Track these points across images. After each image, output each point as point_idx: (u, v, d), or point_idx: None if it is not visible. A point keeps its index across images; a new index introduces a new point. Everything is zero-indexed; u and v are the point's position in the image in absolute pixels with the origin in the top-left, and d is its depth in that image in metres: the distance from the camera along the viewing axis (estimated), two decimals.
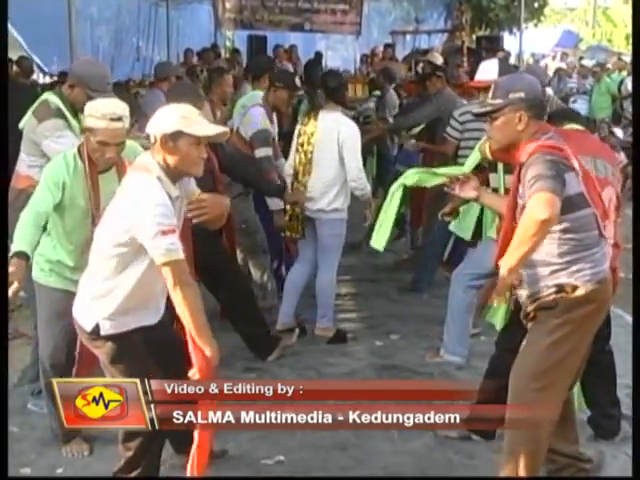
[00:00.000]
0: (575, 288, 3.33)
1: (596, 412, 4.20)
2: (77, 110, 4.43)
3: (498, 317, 4.45)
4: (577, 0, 31.09)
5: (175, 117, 3.21)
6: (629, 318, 4.73)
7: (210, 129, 3.29)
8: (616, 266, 3.74)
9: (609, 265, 3.49)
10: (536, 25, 19.66)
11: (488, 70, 4.81)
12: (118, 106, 3.80)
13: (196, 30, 16.56)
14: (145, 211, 3.11)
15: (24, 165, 4.50)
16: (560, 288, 3.34)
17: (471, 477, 3.99)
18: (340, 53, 17.87)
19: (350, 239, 8.22)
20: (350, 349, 5.59)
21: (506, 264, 3.23)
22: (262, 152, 5.76)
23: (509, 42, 16.50)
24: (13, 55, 10.96)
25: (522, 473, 3.41)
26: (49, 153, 4.32)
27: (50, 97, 4.51)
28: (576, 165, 3.32)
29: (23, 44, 12.58)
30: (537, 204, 3.14)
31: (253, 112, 5.85)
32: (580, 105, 14.47)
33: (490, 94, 3.52)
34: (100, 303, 3.32)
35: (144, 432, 3.40)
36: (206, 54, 13.72)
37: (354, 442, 4.27)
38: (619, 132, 12.17)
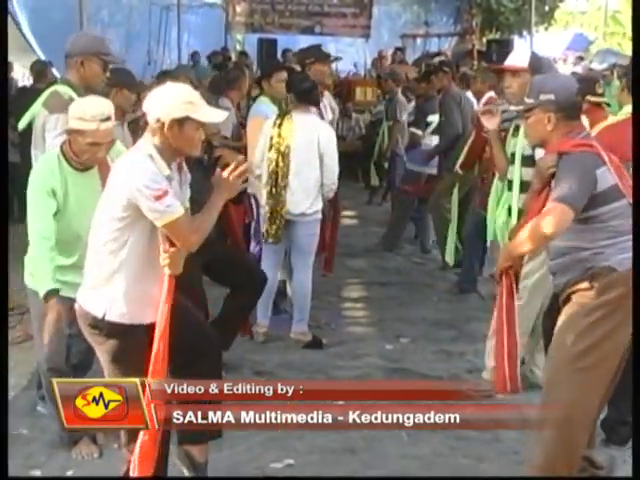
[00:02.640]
0: (611, 270, 3.38)
1: (612, 416, 4.16)
2: (94, 89, 4.35)
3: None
4: (587, 4, 30.99)
5: (182, 102, 3.23)
6: None
7: (215, 115, 3.34)
8: None
9: None
10: (547, 28, 19.59)
11: (518, 57, 4.82)
12: (105, 105, 3.81)
13: (207, 33, 16.60)
14: (135, 179, 3.17)
15: None
16: (596, 271, 3.39)
17: (475, 477, 3.98)
18: (350, 56, 17.84)
19: (364, 243, 8.31)
20: (360, 352, 5.58)
21: (507, 251, 3.55)
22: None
23: (520, 46, 16.46)
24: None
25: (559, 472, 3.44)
26: (49, 146, 4.20)
27: (59, 87, 4.36)
28: (607, 159, 3.39)
29: (38, 50, 12.68)
30: (550, 216, 3.29)
31: None
32: None
33: (527, 92, 3.65)
34: (104, 288, 3.32)
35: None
36: (216, 57, 13.76)
37: (363, 446, 4.26)
38: None
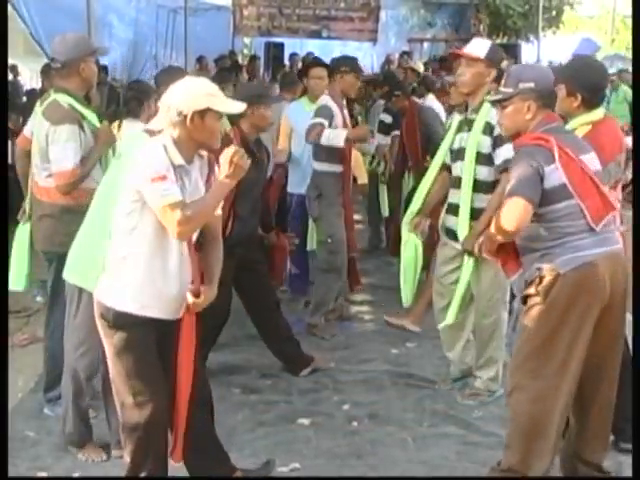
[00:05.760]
0: (555, 272, 3.40)
1: (617, 415, 4.15)
2: (91, 87, 4.40)
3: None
4: (596, 8, 30.97)
5: (202, 94, 3.28)
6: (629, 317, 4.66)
7: (234, 106, 3.38)
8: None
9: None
10: (554, 33, 19.58)
11: (476, 47, 4.69)
12: None
13: (214, 37, 16.63)
14: (142, 164, 3.24)
15: (42, 176, 4.37)
16: (542, 274, 3.43)
17: (476, 477, 3.96)
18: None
19: (370, 246, 8.31)
20: (366, 357, 5.58)
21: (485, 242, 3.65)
22: (316, 120, 5.75)
23: (527, 50, 16.45)
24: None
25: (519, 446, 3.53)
26: (54, 159, 4.21)
27: (57, 96, 4.31)
28: (557, 157, 3.37)
29: (48, 53, 12.70)
30: (511, 212, 3.36)
31: (322, 98, 5.94)
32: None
33: (502, 82, 3.66)
34: (115, 276, 3.36)
35: (140, 434, 3.40)
36: (223, 61, 13.77)
37: (369, 450, 4.26)
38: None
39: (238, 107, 3.40)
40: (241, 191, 4.65)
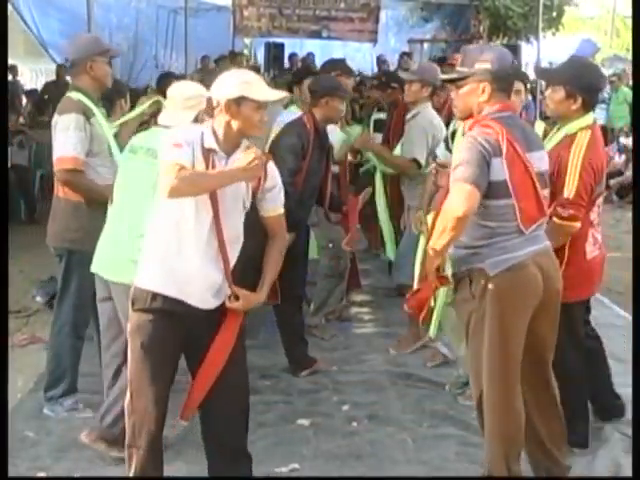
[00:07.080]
0: (484, 273, 3.36)
1: (600, 399, 4.21)
2: (105, 87, 4.47)
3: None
4: (596, 9, 30.98)
5: (238, 83, 3.27)
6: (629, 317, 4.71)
7: (271, 94, 3.35)
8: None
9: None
10: (554, 34, 19.56)
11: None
12: None
13: (214, 37, 16.64)
14: (164, 141, 3.26)
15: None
16: (472, 275, 3.40)
17: (476, 477, 3.96)
18: (357, 61, 17.89)
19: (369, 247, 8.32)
20: (365, 357, 5.59)
21: (431, 250, 3.41)
22: None
23: (527, 51, 16.42)
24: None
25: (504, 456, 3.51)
26: (56, 145, 4.26)
27: (71, 93, 4.43)
28: (504, 151, 3.30)
29: (52, 54, 12.73)
30: (457, 197, 3.25)
31: None
32: (598, 114, 14.42)
33: (459, 62, 3.56)
34: (142, 255, 3.38)
35: (134, 419, 3.39)
36: (223, 61, 13.79)
37: (369, 451, 4.27)
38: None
39: (274, 95, 3.35)
40: (304, 176, 4.96)
